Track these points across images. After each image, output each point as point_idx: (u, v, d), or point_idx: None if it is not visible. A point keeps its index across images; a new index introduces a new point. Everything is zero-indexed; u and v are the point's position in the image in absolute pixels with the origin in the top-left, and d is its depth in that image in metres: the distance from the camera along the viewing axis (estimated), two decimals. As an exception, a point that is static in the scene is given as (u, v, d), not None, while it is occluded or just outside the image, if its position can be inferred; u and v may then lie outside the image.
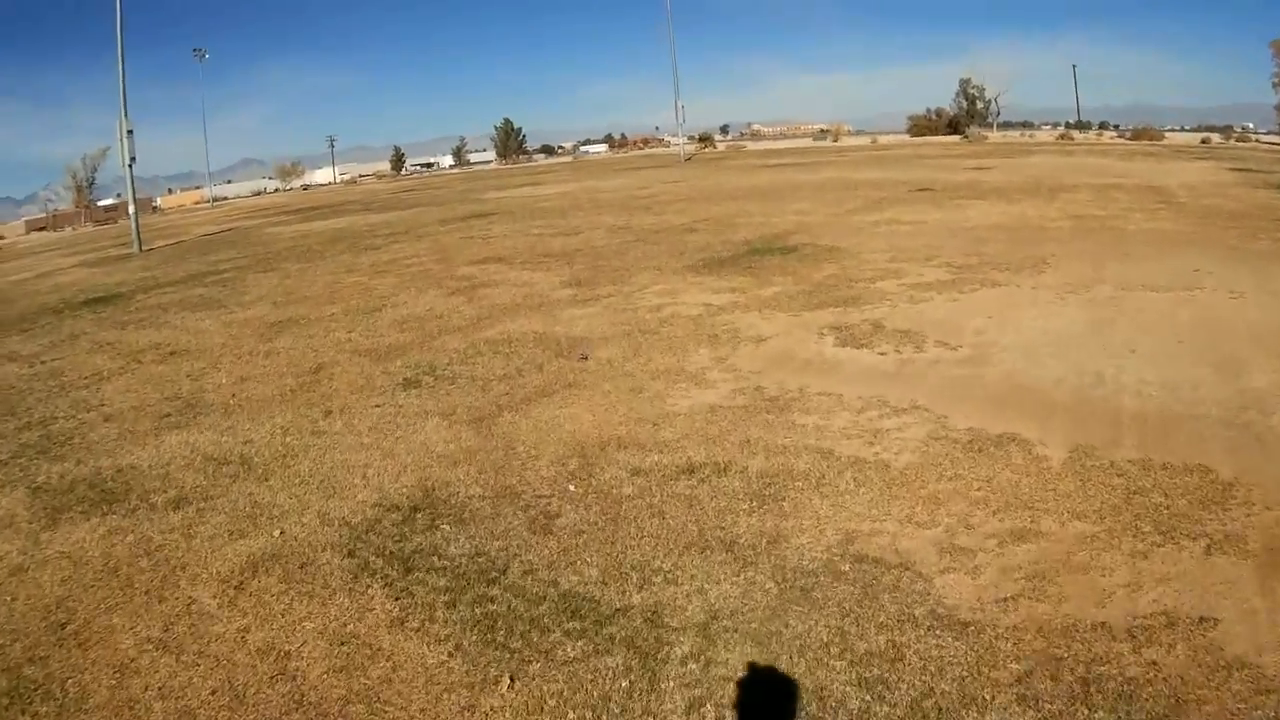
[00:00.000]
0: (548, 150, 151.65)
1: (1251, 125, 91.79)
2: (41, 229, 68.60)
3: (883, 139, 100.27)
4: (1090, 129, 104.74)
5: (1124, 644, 4.60)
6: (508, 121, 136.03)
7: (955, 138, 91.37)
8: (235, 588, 5.95)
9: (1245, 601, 4.92)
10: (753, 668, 4.61)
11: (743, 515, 6.35)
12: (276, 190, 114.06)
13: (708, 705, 4.35)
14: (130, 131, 34.64)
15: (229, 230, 40.33)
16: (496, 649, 4.95)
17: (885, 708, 4.22)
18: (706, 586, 5.42)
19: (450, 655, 4.94)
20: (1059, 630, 4.76)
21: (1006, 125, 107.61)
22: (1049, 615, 4.91)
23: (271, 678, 4.90)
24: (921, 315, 11.81)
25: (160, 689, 4.88)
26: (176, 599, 5.87)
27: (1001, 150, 60.31)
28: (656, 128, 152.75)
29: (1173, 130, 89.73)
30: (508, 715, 4.41)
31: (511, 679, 4.67)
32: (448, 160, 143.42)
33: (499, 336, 12.43)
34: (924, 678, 4.41)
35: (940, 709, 4.19)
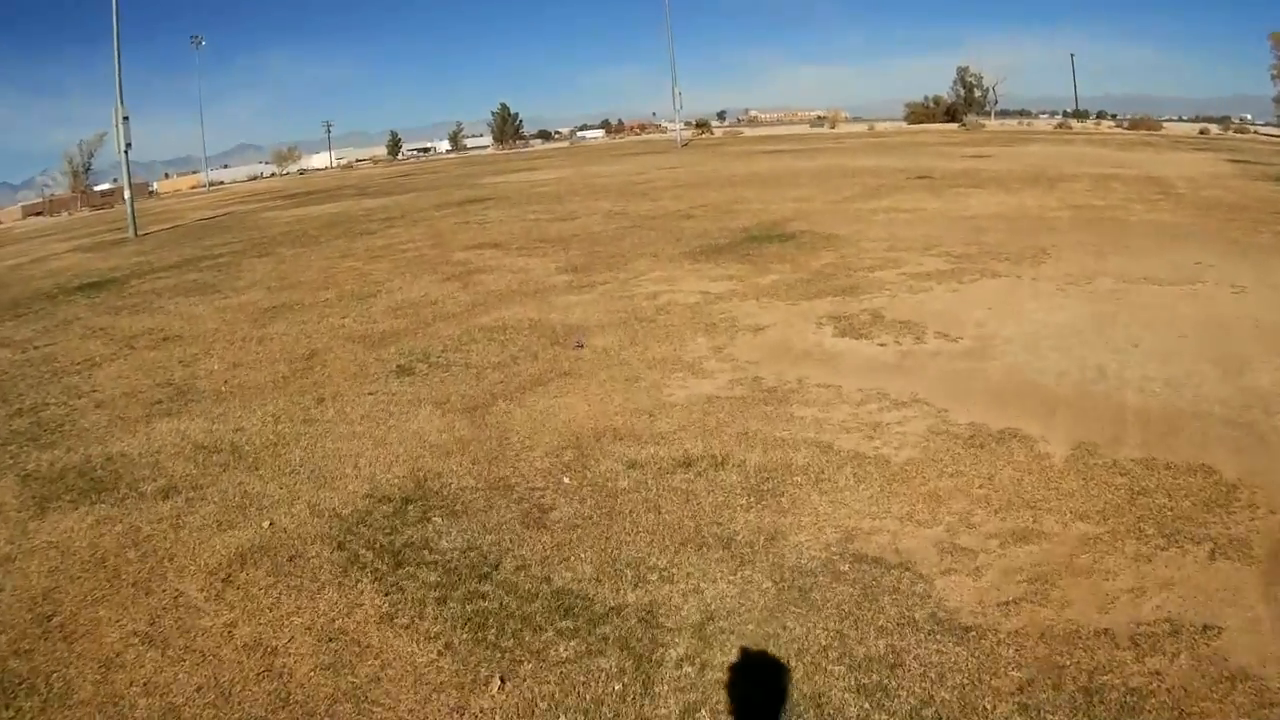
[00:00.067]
0: (545, 136, 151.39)
1: (1249, 117, 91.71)
2: (38, 214, 68.45)
3: (880, 126, 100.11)
4: (1088, 118, 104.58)
5: (1127, 652, 4.51)
6: (504, 107, 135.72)
7: (953, 126, 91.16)
8: (223, 580, 5.86)
9: (1249, 610, 4.83)
10: (749, 672, 4.52)
11: (740, 511, 6.25)
12: (273, 175, 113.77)
13: (702, 711, 4.25)
14: (126, 118, 34.42)
15: (225, 215, 40.15)
16: (487, 648, 4.85)
17: (884, 716, 4.12)
18: (703, 585, 5.31)
19: (440, 654, 4.84)
20: (1061, 636, 4.66)
21: (1004, 114, 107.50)
22: (1051, 620, 4.81)
23: (258, 675, 4.80)
24: (921, 306, 11.70)
25: (145, 685, 4.78)
26: (164, 591, 5.77)
27: (999, 138, 60.16)
28: (654, 113, 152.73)
29: (1170, 121, 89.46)
30: (498, 718, 4.31)
31: (502, 680, 4.56)
32: (444, 145, 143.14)
33: (494, 323, 12.32)
34: (924, 685, 4.31)
35: (940, 718, 4.09)
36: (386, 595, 5.48)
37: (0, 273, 25.53)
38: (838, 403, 8.31)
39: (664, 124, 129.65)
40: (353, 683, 4.66)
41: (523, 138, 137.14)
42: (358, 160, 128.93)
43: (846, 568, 5.42)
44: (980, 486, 6.42)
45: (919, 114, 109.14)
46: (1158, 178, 27.79)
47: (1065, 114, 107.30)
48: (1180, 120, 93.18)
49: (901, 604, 5.01)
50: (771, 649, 4.68)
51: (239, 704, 4.58)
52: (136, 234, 32.35)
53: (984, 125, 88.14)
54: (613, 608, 5.14)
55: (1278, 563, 5.29)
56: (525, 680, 4.56)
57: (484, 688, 4.53)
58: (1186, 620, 4.75)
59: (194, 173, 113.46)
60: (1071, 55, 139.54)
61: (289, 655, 4.95)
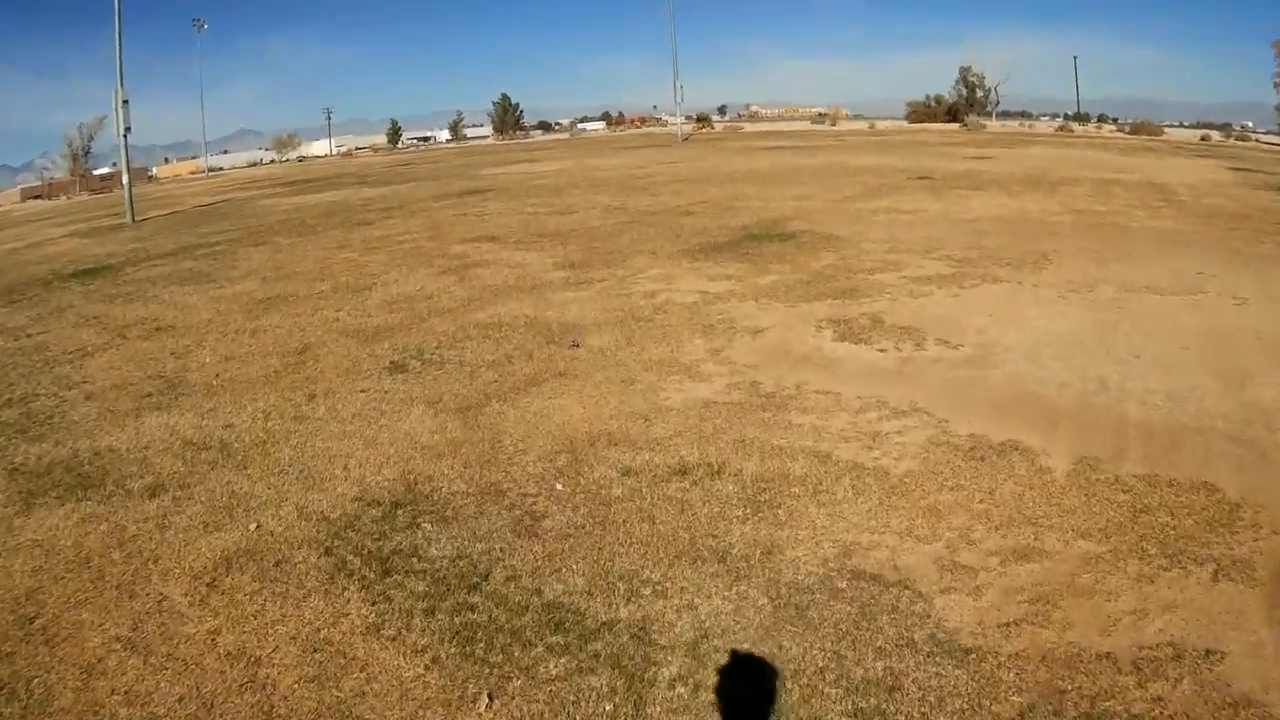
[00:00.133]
0: (545, 127, 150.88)
1: (1251, 124, 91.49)
2: (37, 197, 67.99)
3: (881, 124, 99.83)
4: (1089, 121, 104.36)
5: (1129, 677, 4.42)
6: (505, 97, 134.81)
7: (954, 125, 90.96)
8: (207, 585, 5.74)
9: (1252, 634, 4.75)
10: (744, 694, 4.41)
11: (736, 523, 6.14)
12: (272, 162, 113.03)
13: (696, 734, 4.14)
14: (126, 101, 34.09)
15: (223, 201, 39.90)
16: (476, 663, 4.74)
17: (882, 742, 4.02)
18: (697, 601, 5.21)
19: (427, 668, 4.73)
20: (1063, 660, 4.57)
21: (1005, 115, 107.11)
22: (1053, 643, 4.72)
23: (241, 686, 4.69)
24: (922, 311, 11.60)
25: (126, 693, 4.68)
26: (147, 595, 5.66)
27: (1001, 140, 60.04)
28: (654, 106, 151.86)
29: (1172, 126, 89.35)
30: (485, 737, 4.21)
31: (490, 697, 4.45)
32: (444, 135, 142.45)
33: (489, 320, 12.20)
34: (923, 710, 4.22)
35: (940, 746, 4.00)
36: (373, 605, 5.37)
37: (-3, 257, 25.29)
38: (836, 410, 8.21)
39: (664, 117, 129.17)
40: (337, 697, 4.55)
41: (523, 128, 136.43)
42: (358, 148, 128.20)
43: (844, 585, 5.32)
44: (981, 501, 6.32)
45: (920, 113, 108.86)
46: (1159, 184, 27.71)
47: (1066, 116, 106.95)
48: (1181, 126, 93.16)
49: (900, 624, 4.91)
50: (767, 670, 4.57)
51: (221, 716, 4.47)
52: (134, 220, 32.06)
53: (985, 126, 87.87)
54: (604, 623, 5.03)
55: None
56: (514, 698, 4.45)
57: (471, 705, 4.42)
58: (1189, 644, 4.67)
59: (194, 158, 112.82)
60: (1074, 57, 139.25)
61: (273, 666, 4.84)
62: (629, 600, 5.26)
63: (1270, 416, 7.74)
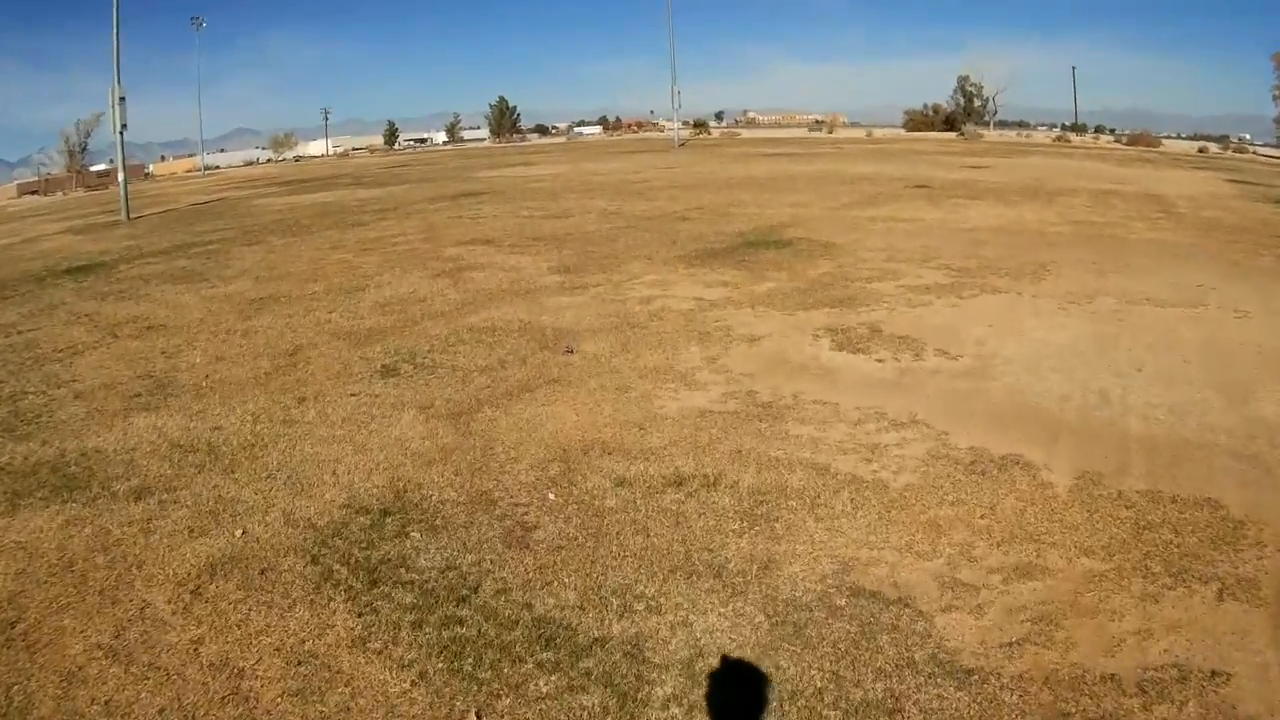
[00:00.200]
0: (542, 130, 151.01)
1: (1248, 136, 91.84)
2: (33, 192, 68.05)
3: (878, 132, 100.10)
4: (1086, 132, 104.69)
5: (1134, 699, 4.31)
6: (503, 100, 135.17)
7: (951, 134, 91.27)
8: (191, 592, 5.60)
9: (1258, 654, 4.65)
10: (740, 715, 4.28)
11: (732, 536, 6.00)
12: (269, 161, 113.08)
13: (690, 758, 4.01)
14: (123, 98, 33.88)
15: (218, 200, 39.83)
16: (463, 679, 4.59)
17: (883, 769, 3.90)
18: (692, 618, 5.07)
19: (414, 684, 4.58)
20: (1067, 681, 4.46)
21: (1003, 124, 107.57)
22: (1056, 664, 4.60)
23: (223, 698, 4.54)
24: (920, 320, 11.50)
25: (107, 703, 4.54)
26: (130, 601, 5.52)
27: (998, 149, 60.23)
28: (651, 111, 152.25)
29: (1169, 137, 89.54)
30: (473, 757, 4.08)
31: (478, 715, 4.32)
32: (441, 137, 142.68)
33: (483, 324, 12.08)
34: (924, 733, 4.09)
35: (943, 773, 3.87)
36: (360, 616, 5.23)
37: (-9, 253, 25.13)
38: (834, 421, 8.09)
39: (661, 122, 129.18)
40: (321, 712, 4.41)
41: (520, 132, 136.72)
42: (354, 149, 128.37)
43: (843, 602, 5.19)
44: (982, 516, 6.21)
45: (917, 121, 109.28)
46: (1158, 195, 27.75)
47: (1064, 127, 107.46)
48: (1179, 138, 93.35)
49: (900, 643, 4.78)
50: (764, 690, 4.45)
51: (201, 730, 4.33)
52: (129, 217, 31.92)
53: (982, 135, 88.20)
54: (596, 639, 4.89)
55: None
56: (503, 717, 4.31)
57: (458, 723, 4.29)
58: (1194, 665, 4.56)
59: (190, 156, 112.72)
60: (1073, 68, 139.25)
61: (256, 678, 4.70)
62: (622, 616, 5.12)
63: (1274, 432, 7.66)
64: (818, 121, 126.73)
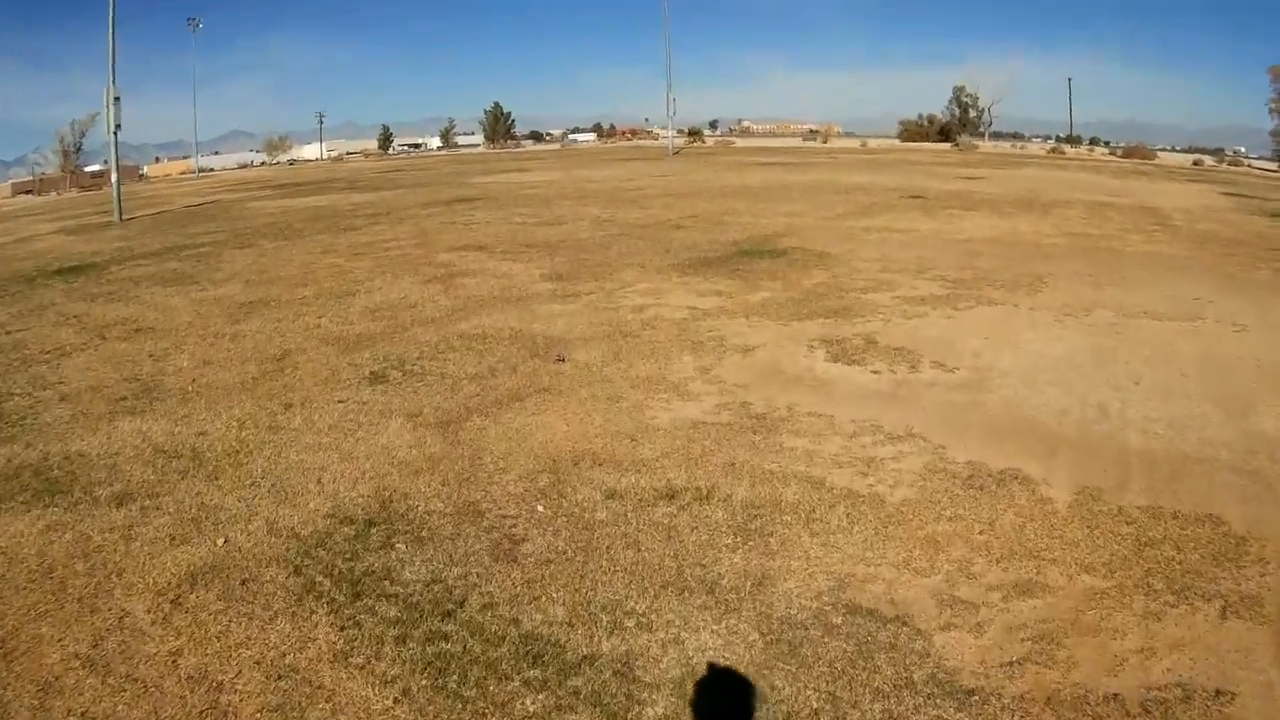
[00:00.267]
0: (536, 137, 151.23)
1: (1243, 149, 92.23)
2: (27, 192, 68.04)
3: (873, 143, 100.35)
4: (1081, 144, 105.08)
5: (1138, 720, 4.18)
6: (497, 105, 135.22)
7: (946, 145, 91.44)
8: (171, 602, 5.44)
9: (1262, 673, 4.54)
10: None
11: (725, 551, 5.86)
12: (263, 164, 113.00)
13: (681, 782, 3.88)
14: (118, 98, 33.72)
15: (211, 203, 39.72)
16: (448, 697, 4.45)
17: (881, 796, 3.77)
18: (684, 635, 4.93)
19: (396, 701, 4.44)
20: (1069, 702, 4.34)
21: (997, 135, 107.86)
22: (1058, 684, 4.47)
23: (201, 713, 4.39)
24: (916, 332, 11.40)
25: (83, 715, 4.40)
26: (109, 610, 5.37)
27: (992, 160, 60.42)
28: (646, 119, 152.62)
29: (1164, 150, 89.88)
30: (455, 780, 3.93)
31: (462, 735, 4.17)
32: (435, 142, 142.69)
33: (473, 331, 11.94)
34: (924, 758, 3.96)
35: (943, 801, 3.74)
36: (342, 630, 5.08)
37: (-18, 253, 24.96)
38: (830, 434, 7.96)
39: (656, 130, 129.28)
40: (300, 729, 4.27)
41: (514, 138, 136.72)
42: (348, 153, 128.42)
43: (839, 620, 5.05)
44: (980, 532, 6.08)
45: (912, 131, 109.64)
46: (1153, 208, 27.80)
47: (1058, 138, 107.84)
48: (1174, 150, 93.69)
49: (899, 663, 4.65)
50: (760, 712, 4.31)
51: (177, 746, 4.19)
52: (121, 218, 31.79)
53: (977, 146, 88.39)
54: (585, 657, 4.75)
55: None
56: (488, 737, 4.17)
57: (442, 744, 4.14)
58: (1198, 685, 4.45)
59: (185, 157, 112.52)
60: (1069, 80, 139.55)
61: (235, 693, 4.55)
62: (612, 633, 4.98)
63: (1274, 447, 7.57)
64: (812, 131, 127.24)
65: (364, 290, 15.09)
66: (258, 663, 4.80)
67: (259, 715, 4.37)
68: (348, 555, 5.95)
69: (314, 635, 5.05)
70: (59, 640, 5.06)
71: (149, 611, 5.35)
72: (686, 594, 5.36)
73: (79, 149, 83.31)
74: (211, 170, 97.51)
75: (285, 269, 17.90)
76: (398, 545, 6.07)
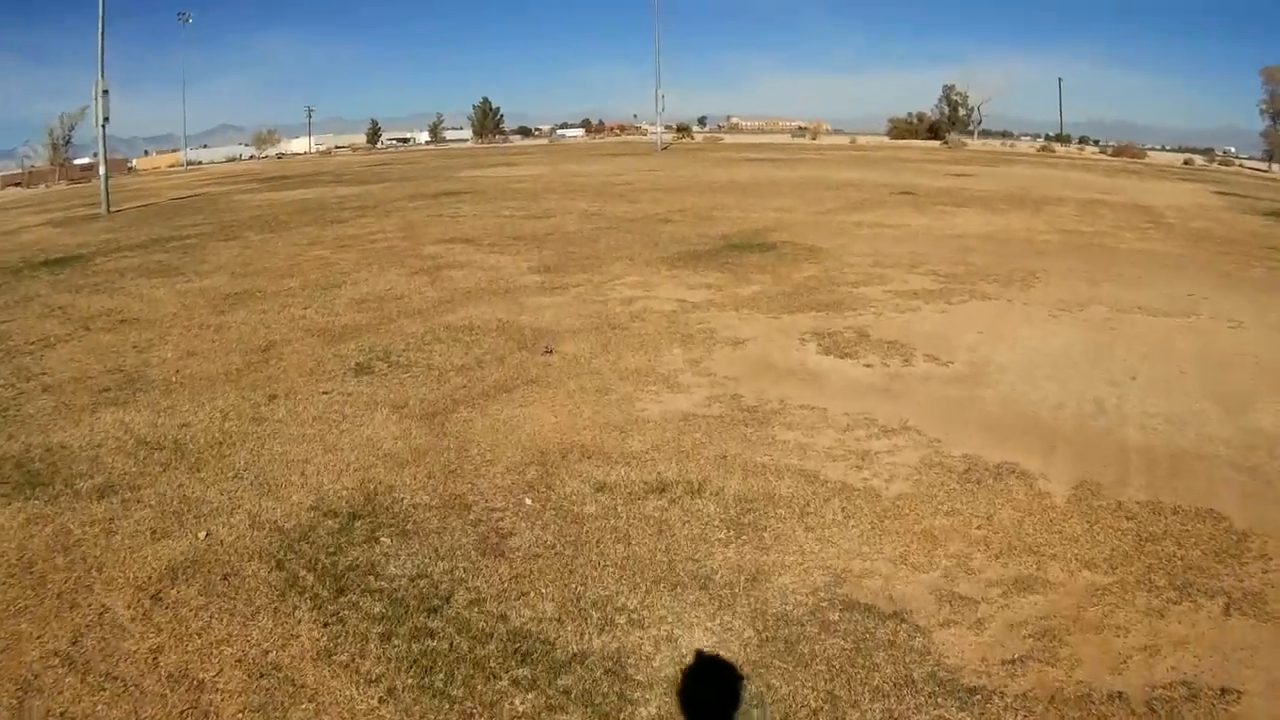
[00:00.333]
0: (524, 132, 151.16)
1: (1233, 150, 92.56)
2: (16, 185, 67.84)
3: (862, 140, 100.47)
4: (1071, 142, 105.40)
5: (1143, 719, 4.09)
6: (486, 101, 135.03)
7: (935, 143, 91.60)
8: (152, 598, 5.29)
9: (1268, 671, 4.46)
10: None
11: (719, 546, 5.73)
12: (251, 158, 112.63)
13: (675, 785, 3.74)
14: (106, 91, 33.49)
15: (199, 195, 39.53)
16: (434, 696, 4.30)
17: (883, 799, 3.64)
18: (677, 632, 4.79)
19: (382, 700, 4.29)
20: (1073, 701, 4.23)
21: (986, 134, 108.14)
22: (1061, 682, 4.37)
23: (181, 712, 4.25)
24: (909, 326, 11.29)
25: (62, 714, 4.28)
26: (89, 606, 5.23)
27: (982, 158, 60.58)
28: (634, 115, 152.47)
29: (1154, 149, 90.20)
30: (440, 782, 3.79)
31: (449, 734, 4.03)
32: (424, 136, 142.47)
33: (460, 323, 11.79)
34: (926, 760, 3.84)
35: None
36: (326, 627, 4.92)
37: (-31, 245, 24.72)
38: (823, 427, 7.84)
39: (644, 126, 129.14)
40: (282, 729, 4.12)
41: (503, 133, 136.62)
42: (336, 147, 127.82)
43: (836, 616, 4.92)
44: (979, 527, 5.97)
45: (901, 129, 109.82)
46: (1146, 206, 27.86)
47: (1048, 137, 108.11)
48: (1163, 149, 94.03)
49: (898, 660, 4.53)
50: (754, 711, 4.18)
51: (157, 747, 4.05)
52: (109, 210, 31.64)
53: (966, 144, 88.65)
54: (576, 654, 4.61)
55: None
56: (475, 737, 4.03)
57: (428, 744, 4.00)
58: (1203, 683, 4.36)
59: (174, 150, 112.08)
60: (1059, 79, 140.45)
61: (216, 691, 4.40)
62: (602, 630, 4.84)
63: (1273, 443, 7.50)
64: (800, 128, 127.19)
65: (350, 282, 14.92)
66: (239, 661, 4.67)
67: (240, 715, 4.24)
68: (331, 549, 5.80)
69: (297, 632, 4.90)
70: (38, 637, 4.93)
71: (129, 607, 5.21)
72: (679, 589, 5.22)
73: (68, 142, 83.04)
74: (200, 163, 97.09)
75: (271, 261, 17.73)
76: (382, 539, 5.92)
